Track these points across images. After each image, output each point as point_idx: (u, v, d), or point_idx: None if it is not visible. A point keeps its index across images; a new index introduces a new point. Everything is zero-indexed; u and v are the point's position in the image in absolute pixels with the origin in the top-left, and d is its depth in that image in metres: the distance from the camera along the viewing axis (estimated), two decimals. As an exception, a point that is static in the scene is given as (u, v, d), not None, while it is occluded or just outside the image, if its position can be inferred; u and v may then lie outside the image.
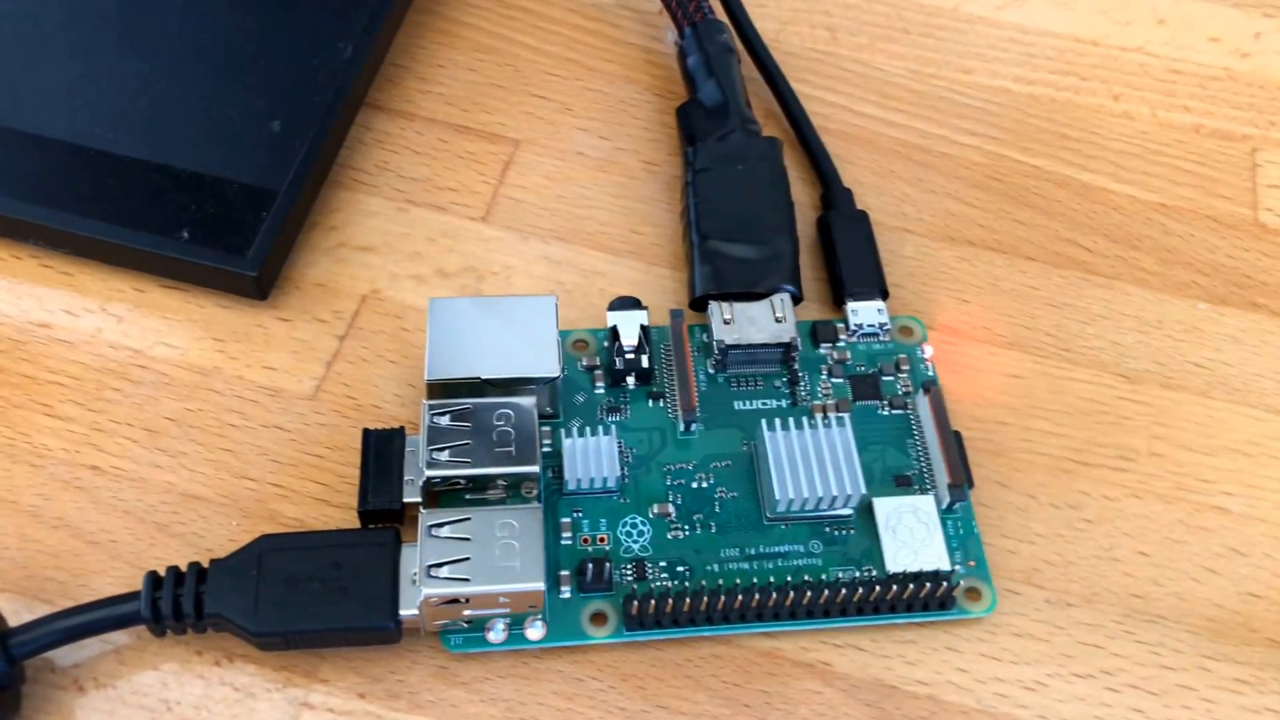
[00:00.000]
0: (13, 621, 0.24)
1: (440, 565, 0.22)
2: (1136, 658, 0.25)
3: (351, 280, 0.30)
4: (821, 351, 0.29)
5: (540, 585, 0.22)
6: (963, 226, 0.32)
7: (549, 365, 0.25)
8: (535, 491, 0.25)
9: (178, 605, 0.23)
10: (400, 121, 0.33)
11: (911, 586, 0.24)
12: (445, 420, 0.24)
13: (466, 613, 0.23)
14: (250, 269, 0.28)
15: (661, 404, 0.28)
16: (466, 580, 0.22)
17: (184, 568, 0.24)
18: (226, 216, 0.29)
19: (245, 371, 0.28)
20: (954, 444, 0.26)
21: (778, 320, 0.28)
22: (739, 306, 0.28)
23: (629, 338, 0.28)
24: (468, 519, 0.23)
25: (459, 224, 0.31)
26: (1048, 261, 0.31)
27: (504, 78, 0.34)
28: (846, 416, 0.26)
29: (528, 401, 0.25)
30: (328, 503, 0.26)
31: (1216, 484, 0.27)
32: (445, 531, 0.23)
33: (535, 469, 0.24)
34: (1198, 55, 0.35)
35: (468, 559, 0.22)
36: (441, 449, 0.24)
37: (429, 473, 0.24)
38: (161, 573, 0.23)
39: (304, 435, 0.27)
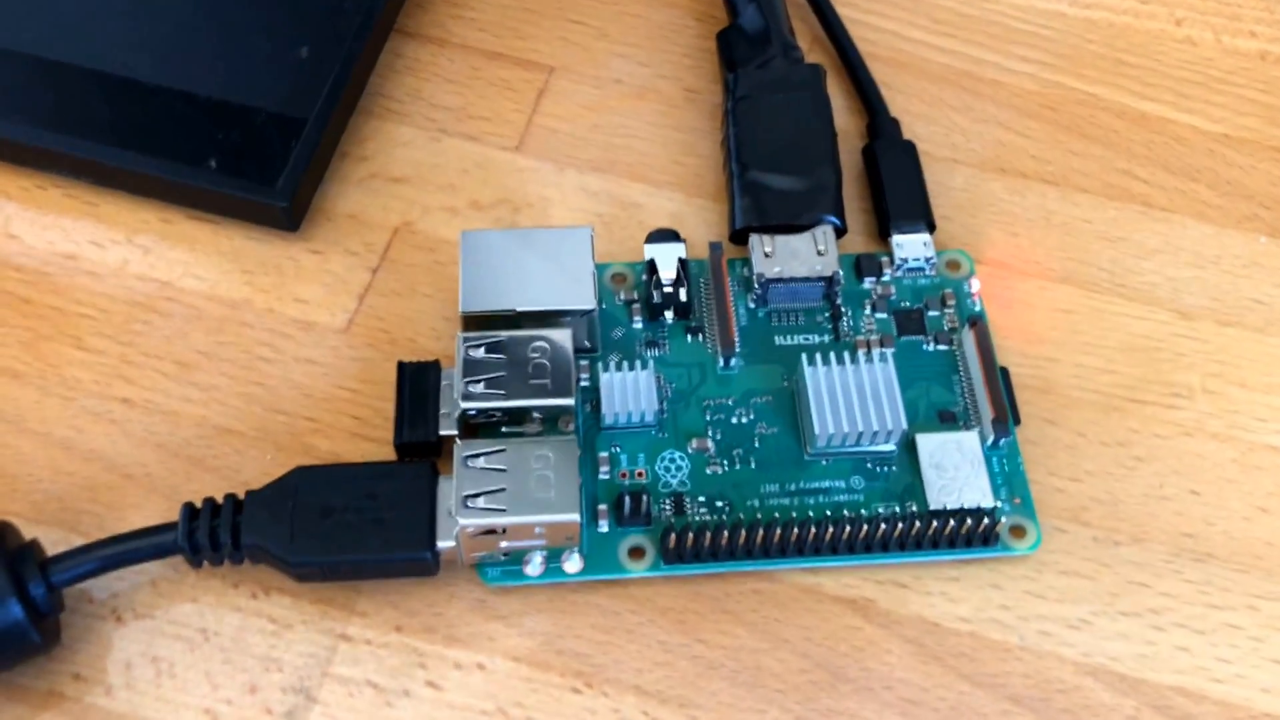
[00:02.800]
0: (50, 553, 0.25)
1: (476, 496, 0.24)
2: (1184, 596, 0.26)
3: (383, 212, 0.31)
4: (865, 286, 0.29)
5: (576, 517, 0.24)
6: (1014, 157, 0.32)
7: (585, 298, 0.26)
8: (572, 426, 0.26)
9: (214, 536, 0.24)
10: (431, 48, 0.34)
11: (954, 523, 0.25)
12: (480, 352, 0.25)
13: (503, 544, 0.24)
14: (281, 199, 0.29)
15: (700, 339, 0.29)
16: (502, 511, 0.23)
17: (220, 500, 0.25)
18: (255, 145, 0.30)
19: (276, 305, 0.30)
20: (999, 380, 0.27)
21: (820, 253, 0.29)
22: (780, 239, 0.29)
23: (667, 271, 0.29)
24: (503, 450, 0.24)
25: (493, 154, 0.32)
26: (1102, 194, 0.32)
27: (537, 2, 0.35)
28: (889, 351, 0.27)
29: (563, 334, 0.26)
30: (363, 437, 0.28)
31: (1272, 422, 0.28)
32: (480, 463, 0.24)
33: (570, 402, 0.25)
34: (1266, -24, 0.36)
35: (503, 490, 0.24)
36: (477, 381, 0.25)
37: (464, 405, 0.25)
38: (198, 504, 0.25)
39: (337, 369, 0.29)
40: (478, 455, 0.24)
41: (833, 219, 0.29)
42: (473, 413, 0.25)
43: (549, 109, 0.33)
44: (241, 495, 0.25)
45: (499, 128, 0.32)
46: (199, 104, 0.31)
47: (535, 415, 0.25)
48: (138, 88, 0.31)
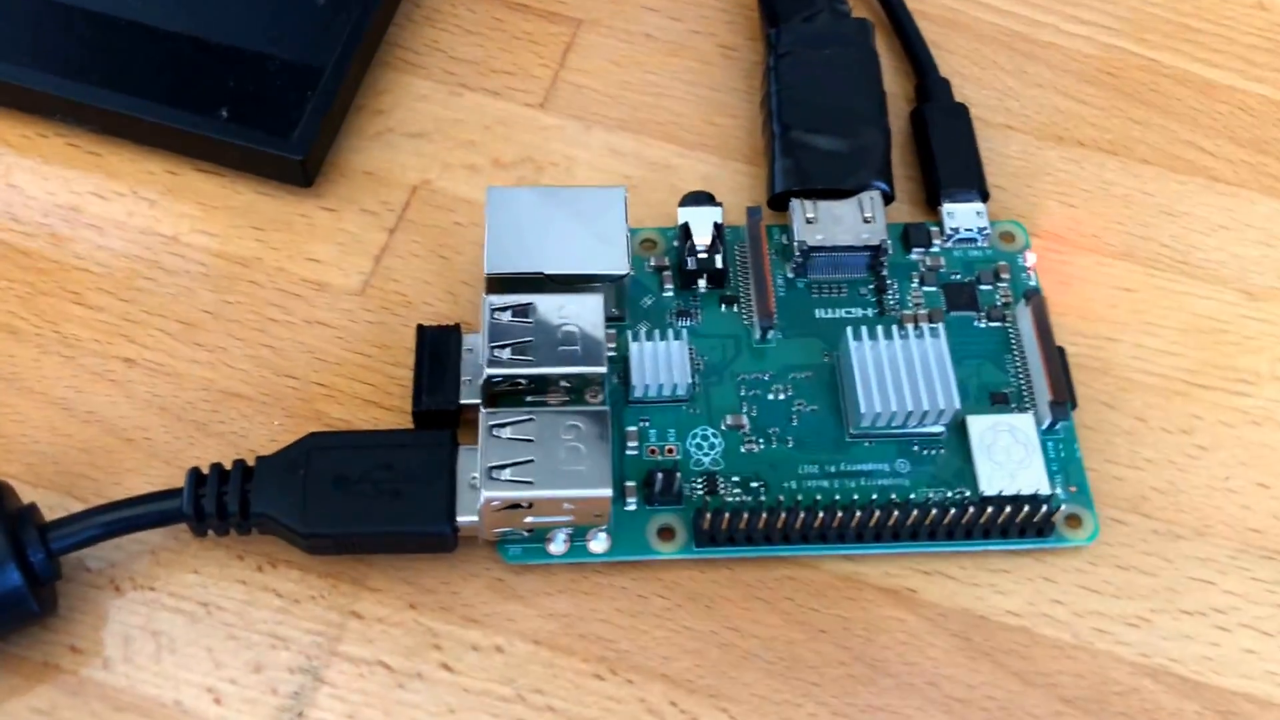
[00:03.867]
0: (48, 518, 0.24)
1: (502, 467, 0.22)
2: (1251, 595, 0.25)
3: (401, 169, 0.30)
4: (913, 257, 0.28)
5: (608, 492, 0.22)
6: (1072, 125, 0.31)
7: (618, 262, 0.25)
8: (600, 397, 0.25)
9: (222, 503, 0.23)
10: (452, -2, 0.33)
11: (1008, 510, 0.24)
12: (507, 316, 0.24)
13: (528, 520, 0.23)
14: (295, 153, 0.28)
15: (735, 309, 0.27)
16: (530, 484, 0.22)
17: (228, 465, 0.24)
18: (269, 95, 0.29)
19: (287, 264, 0.28)
20: (1057, 359, 0.26)
21: (866, 220, 0.27)
22: (824, 205, 0.27)
23: (702, 236, 0.27)
24: (531, 419, 0.23)
25: (516, 111, 0.31)
26: (1165, 165, 0.30)
27: (567, -49, 0.33)
28: (940, 327, 0.26)
29: (595, 299, 0.24)
30: (377, 404, 0.26)
31: (1346, 412, 0.27)
32: (508, 432, 0.23)
33: (602, 370, 0.24)
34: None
35: (531, 461, 0.22)
36: (503, 346, 0.24)
37: (490, 371, 0.24)
38: (204, 470, 0.24)
39: (351, 333, 0.27)
40: (505, 424, 0.23)
41: (881, 184, 0.28)
42: (498, 380, 0.24)
43: (576, 64, 0.31)
44: (250, 462, 0.24)
45: (523, 83, 0.31)
46: (211, 50, 0.29)
47: (562, 385, 0.24)
48: (146, 31, 0.30)
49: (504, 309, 0.24)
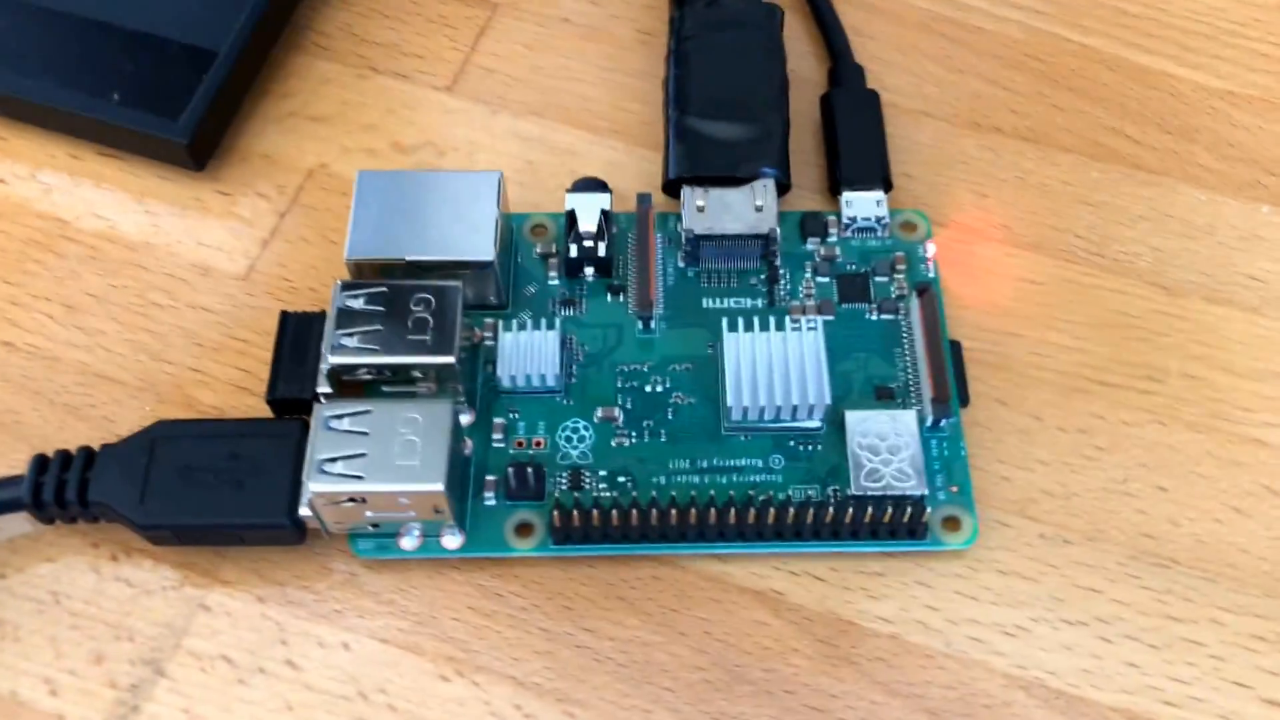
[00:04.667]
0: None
1: (334, 460, 0.21)
2: (1139, 605, 0.23)
3: (299, 153, 0.29)
4: (809, 247, 0.26)
5: (439, 487, 0.21)
6: (991, 111, 0.29)
7: (483, 248, 0.24)
8: (458, 388, 0.23)
9: (61, 491, 0.22)
10: (370, -19, 0.31)
11: (878, 511, 0.23)
12: (359, 303, 0.23)
13: (369, 514, 0.22)
14: (181, 136, 0.27)
15: (623, 298, 0.26)
16: (359, 478, 0.21)
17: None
18: (161, 79, 0.28)
19: (177, 247, 0.27)
20: (945, 355, 0.24)
21: (758, 209, 0.26)
22: (715, 192, 0.26)
23: (587, 224, 0.26)
24: (368, 411, 0.22)
25: (422, 94, 0.30)
26: (1086, 153, 0.28)
27: (485, -67, 0.32)
28: (821, 319, 0.24)
29: (452, 286, 0.23)
30: (249, 391, 0.25)
31: (1258, 413, 0.25)
32: (344, 424, 0.22)
33: (450, 359, 0.23)
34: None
35: (364, 455, 0.21)
36: (350, 334, 0.23)
37: (332, 359, 0.23)
38: (51, 455, 0.23)
39: (231, 318, 0.26)
40: (341, 416, 0.22)
41: (774, 172, 0.26)
42: (343, 368, 0.23)
43: (488, 48, 0.30)
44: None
45: (432, 66, 0.30)
46: (114, 34, 0.29)
47: (416, 375, 0.23)
48: (48, 15, 0.29)
49: (357, 294, 0.23)
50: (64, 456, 0.23)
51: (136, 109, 0.28)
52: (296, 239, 0.28)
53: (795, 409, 0.23)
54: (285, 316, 0.25)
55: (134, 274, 0.27)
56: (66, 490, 0.22)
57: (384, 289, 0.23)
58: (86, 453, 0.23)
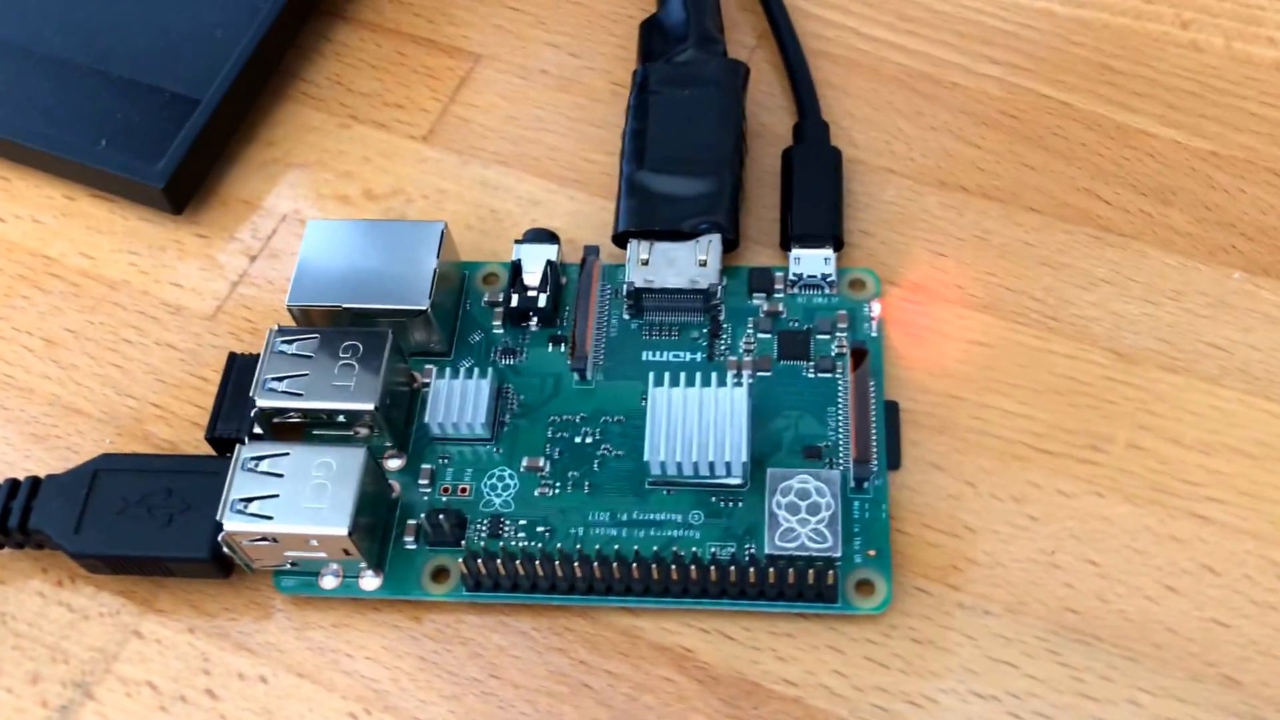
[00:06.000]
0: None
1: (249, 500, 0.22)
2: (1054, 682, 0.23)
3: (276, 199, 0.30)
4: (754, 302, 0.27)
5: (343, 530, 0.22)
6: (958, 169, 0.29)
7: (419, 297, 0.25)
8: (384, 435, 0.24)
9: (5, 518, 0.24)
10: (363, 32, 0.33)
11: (790, 571, 0.23)
12: (292, 348, 0.24)
13: (287, 554, 0.23)
14: (158, 181, 0.29)
15: (564, 349, 0.27)
16: (269, 518, 0.22)
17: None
18: (146, 126, 0.30)
19: (152, 287, 0.29)
20: (875, 415, 0.24)
21: (701, 264, 0.26)
22: (661, 246, 0.27)
23: (532, 275, 0.27)
24: (286, 454, 0.23)
25: (399, 143, 0.31)
26: (1054, 214, 0.28)
27: (474, -14, 0.33)
28: (751, 376, 0.25)
29: (382, 334, 0.24)
30: (202, 427, 0.27)
31: (1203, 487, 0.24)
32: (263, 466, 0.23)
33: (368, 406, 0.24)
34: (1297, -25, 0.31)
35: (276, 496, 0.22)
36: (280, 378, 0.24)
37: (260, 403, 0.24)
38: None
39: (195, 356, 0.28)
40: (260, 458, 0.23)
41: (720, 227, 0.27)
42: (271, 412, 0.24)
43: (467, 98, 0.31)
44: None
45: (411, 115, 0.31)
46: (107, 81, 0.30)
47: (341, 420, 0.24)
48: (45, 61, 0.31)
49: (291, 340, 0.24)
50: (12, 484, 0.24)
51: (121, 154, 0.29)
52: (264, 282, 0.29)
53: (713, 465, 0.24)
54: (233, 358, 0.26)
55: (110, 311, 0.29)
56: (10, 518, 0.24)
57: (316, 336, 0.24)
58: (32, 481, 0.24)
